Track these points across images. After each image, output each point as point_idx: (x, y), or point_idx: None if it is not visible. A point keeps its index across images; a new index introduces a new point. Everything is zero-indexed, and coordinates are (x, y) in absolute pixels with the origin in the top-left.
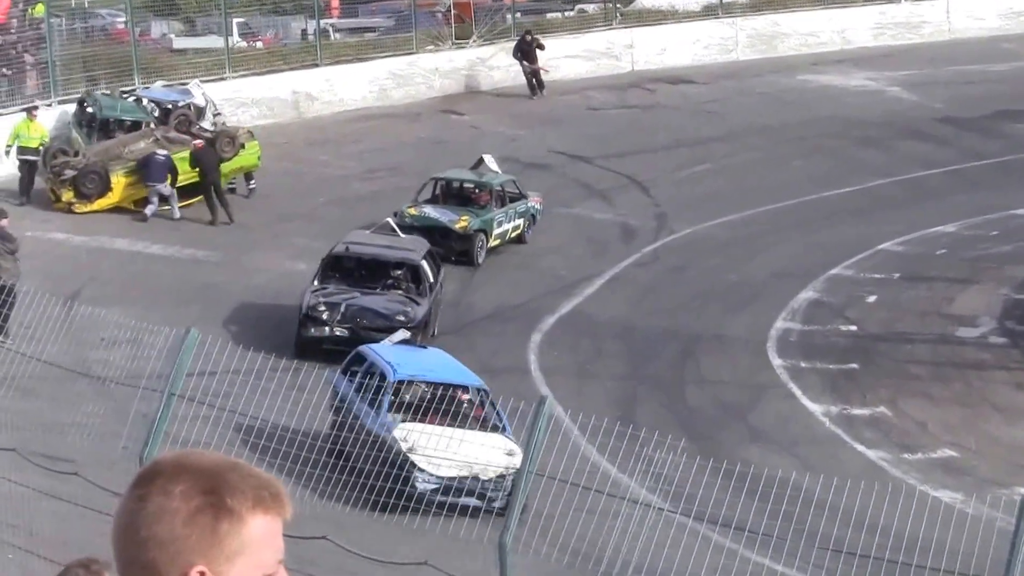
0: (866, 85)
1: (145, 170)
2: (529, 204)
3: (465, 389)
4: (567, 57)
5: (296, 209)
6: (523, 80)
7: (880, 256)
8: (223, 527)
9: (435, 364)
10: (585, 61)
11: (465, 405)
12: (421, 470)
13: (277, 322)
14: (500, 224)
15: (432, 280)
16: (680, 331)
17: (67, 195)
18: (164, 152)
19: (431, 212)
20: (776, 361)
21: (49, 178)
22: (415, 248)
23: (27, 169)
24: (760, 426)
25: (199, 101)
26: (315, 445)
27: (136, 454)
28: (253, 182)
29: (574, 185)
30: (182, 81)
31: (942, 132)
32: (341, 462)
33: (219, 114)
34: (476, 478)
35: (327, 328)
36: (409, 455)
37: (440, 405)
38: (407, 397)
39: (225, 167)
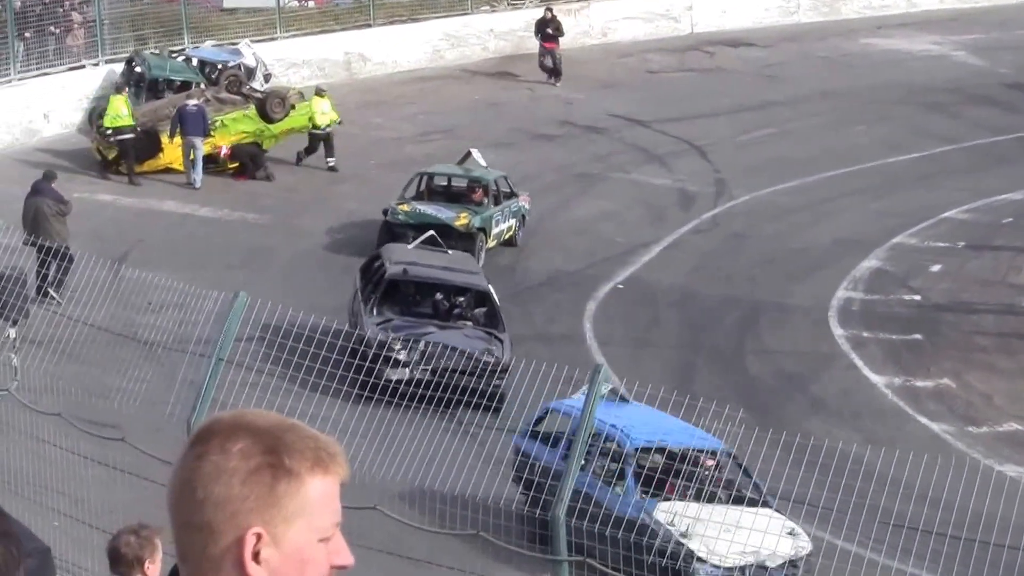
0: (931, 49)
1: (181, 124)
2: (520, 203)
3: (711, 453)
4: (626, 19)
5: (347, 172)
6: (580, 42)
7: (945, 224)
8: (282, 487)
9: (665, 424)
10: (644, 23)
11: (710, 472)
12: (702, 560)
13: (328, 286)
14: (497, 223)
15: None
16: (740, 300)
17: (114, 155)
18: (195, 102)
19: (426, 209)
20: (838, 331)
21: (96, 139)
22: (476, 269)
23: (125, 148)
24: (821, 397)
25: (249, 61)
26: (365, 412)
27: (184, 420)
28: (333, 160)
29: (631, 150)
30: (232, 41)
31: (1009, 97)
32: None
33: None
34: (763, 567)
35: (407, 370)
36: (684, 542)
37: (676, 474)
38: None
39: (275, 128)
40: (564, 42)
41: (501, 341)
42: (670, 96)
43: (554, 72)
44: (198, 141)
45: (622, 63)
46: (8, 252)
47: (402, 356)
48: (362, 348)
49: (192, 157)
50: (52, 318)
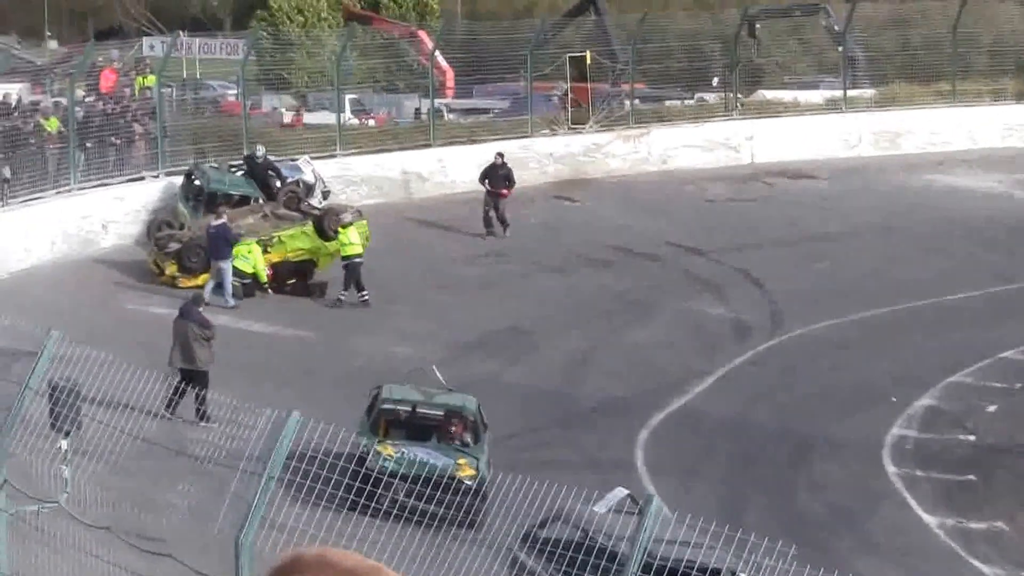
0: (993, 187)
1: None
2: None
3: None
4: (685, 147)
5: (401, 291)
6: (639, 168)
7: (1001, 364)
8: None
9: None
10: (703, 151)
11: None
12: None
13: None
14: (489, 466)
15: None
16: (792, 433)
17: (171, 268)
18: (219, 222)
19: (417, 453)
20: (891, 469)
21: (153, 251)
22: (711, 542)
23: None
24: (872, 535)
25: (308, 178)
26: (414, 536)
27: (232, 537)
28: (366, 293)
29: (686, 278)
30: (292, 157)
31: None
32: None
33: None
34: None
35: None
36: None
37: None
38: None
39: (332, 245)
40: (623, 166)
41: None
42: (727, 225)
43: (501, 222)
44: (220, 264)
45: (680, 191)
46: (63, 363)
47: None
48: None
49: (223, 280)
50: (103, 431)
